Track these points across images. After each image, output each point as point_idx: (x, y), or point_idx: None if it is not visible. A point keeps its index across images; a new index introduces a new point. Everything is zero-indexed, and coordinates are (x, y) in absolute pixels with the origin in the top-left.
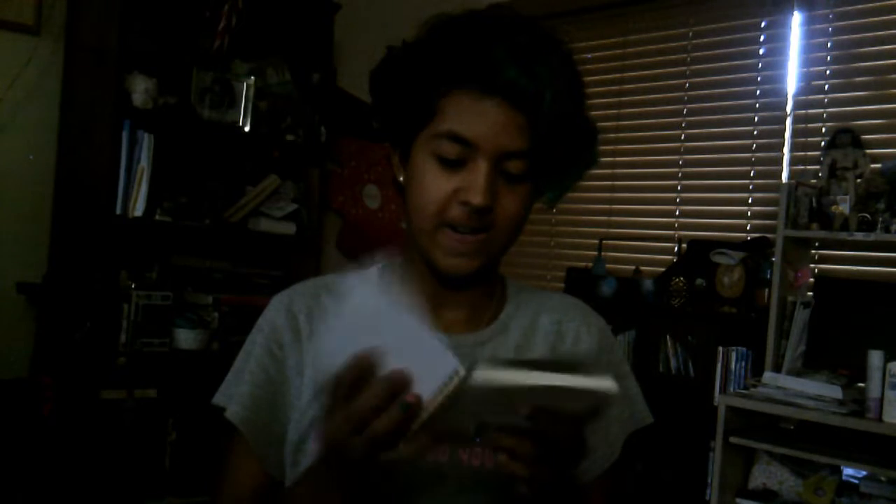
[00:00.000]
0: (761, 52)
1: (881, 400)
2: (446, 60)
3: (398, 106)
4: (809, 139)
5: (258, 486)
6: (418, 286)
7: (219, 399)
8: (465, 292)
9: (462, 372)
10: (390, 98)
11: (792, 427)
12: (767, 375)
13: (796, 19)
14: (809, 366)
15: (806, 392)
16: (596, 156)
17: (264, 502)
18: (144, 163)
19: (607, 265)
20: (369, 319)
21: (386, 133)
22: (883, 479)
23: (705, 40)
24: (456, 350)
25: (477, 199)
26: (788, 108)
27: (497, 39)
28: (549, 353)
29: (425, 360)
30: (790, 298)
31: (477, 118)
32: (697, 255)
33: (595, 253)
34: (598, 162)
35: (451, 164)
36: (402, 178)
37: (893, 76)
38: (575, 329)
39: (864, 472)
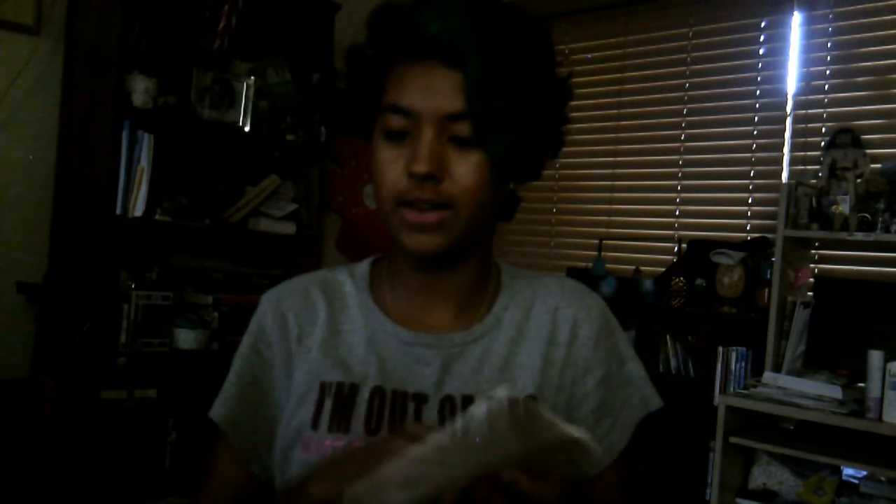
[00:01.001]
0: (761, 52)
1: (881, 400)
2: (383, 38)
3: (359, 97)
4: (809, 139)
5: (238, 490)
6: (405, 280)
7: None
8: (452, 284)
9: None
10: (352, 92)
11: (792, 427)
12: (767, 375)
13: (796, 19)
14: (809, 366)
15: (806, 392)
16: (558, 113)
17: None
18: (144, 163)
19: (607, 265)
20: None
21: (367, 129)
22: (883, 479)
23: (705, 40)
24: (445, 349)
25: (418, 166)
26: (788, 108)
27: (424, 5)
28: (544, 343)
29: None
30: (790, 298)
31: (413, 85)
32: (697, 255)
33: (595, 253)
34: (565, 119)
35: (398, 137)
36: None
37: (893, 76)
38: (572, 315)
39: (864, 472)
